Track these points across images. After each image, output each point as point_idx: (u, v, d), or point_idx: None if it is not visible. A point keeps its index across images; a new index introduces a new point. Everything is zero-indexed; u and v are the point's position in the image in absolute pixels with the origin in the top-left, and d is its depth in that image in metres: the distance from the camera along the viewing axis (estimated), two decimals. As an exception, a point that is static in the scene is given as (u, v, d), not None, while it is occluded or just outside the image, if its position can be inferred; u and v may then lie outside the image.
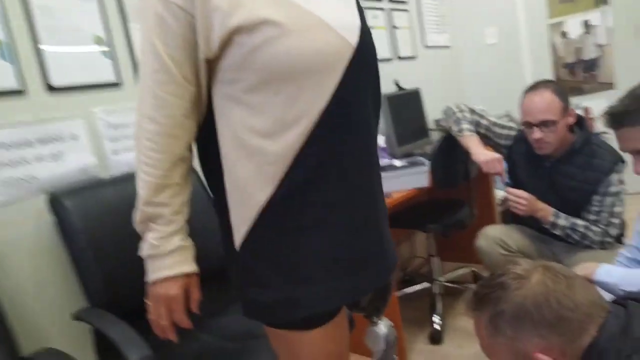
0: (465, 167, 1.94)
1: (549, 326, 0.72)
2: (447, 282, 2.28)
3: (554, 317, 0.72)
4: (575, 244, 1.67)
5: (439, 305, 2.07)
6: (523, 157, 1.74)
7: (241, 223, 0.78)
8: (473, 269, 2.42)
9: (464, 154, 1.94)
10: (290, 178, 0.74)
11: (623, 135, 1.12)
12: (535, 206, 1.63)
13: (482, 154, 1.70)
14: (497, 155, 1.68)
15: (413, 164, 1.82)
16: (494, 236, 1.68)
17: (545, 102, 1.56)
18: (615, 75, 3.11)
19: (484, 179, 2.54)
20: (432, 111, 2.83)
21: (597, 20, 3.08)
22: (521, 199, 1.62)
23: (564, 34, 3.21)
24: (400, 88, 2.62)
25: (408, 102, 2.58)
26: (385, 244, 0.87)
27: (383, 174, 0.91)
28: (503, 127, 1.82)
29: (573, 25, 3.16)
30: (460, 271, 2.43)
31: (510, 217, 1.85)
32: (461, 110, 1.84)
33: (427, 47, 3.11)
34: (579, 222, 1.63)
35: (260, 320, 0.83)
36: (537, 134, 1.58)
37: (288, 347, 0.85)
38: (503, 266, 1.80)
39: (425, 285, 2.30)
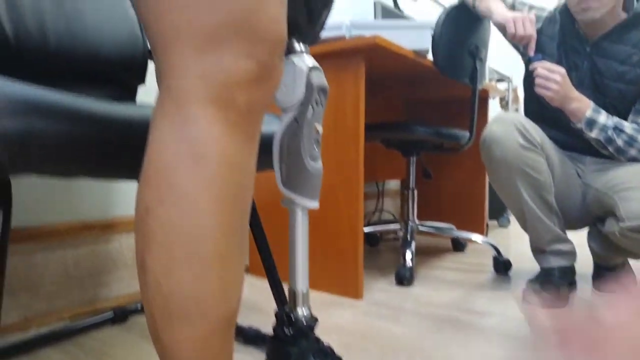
0: (474, 65, 1.50)
1: None
2: (423, 227, 1.81)
3: None
4: (612, 156, 1.23)
5: (413, 244, 1.59)
6: (555, 41, 1.31)
7: None
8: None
9: (475, 49, 1.51)
10: None
11: None
12: (569, 92, 1.19)
13: (508, 12, 1.26)
14: (530, 15, 1.24)
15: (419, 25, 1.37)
16: (513, 120, 1.21)
17: None
18: None
19: (483, 104, 2.13)
20: None
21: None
22: (555, 74, 1.18)
23: None
24: None
25: None
26: None
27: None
28: (532, 7, 1.40)
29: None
30: (440, 223, 1.97)
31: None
32: None
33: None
34: (626, 122, 1.20)
35: None
36: None
37: None
38: (516, 164, 1.29)
39: (395, 226, 1.83)
